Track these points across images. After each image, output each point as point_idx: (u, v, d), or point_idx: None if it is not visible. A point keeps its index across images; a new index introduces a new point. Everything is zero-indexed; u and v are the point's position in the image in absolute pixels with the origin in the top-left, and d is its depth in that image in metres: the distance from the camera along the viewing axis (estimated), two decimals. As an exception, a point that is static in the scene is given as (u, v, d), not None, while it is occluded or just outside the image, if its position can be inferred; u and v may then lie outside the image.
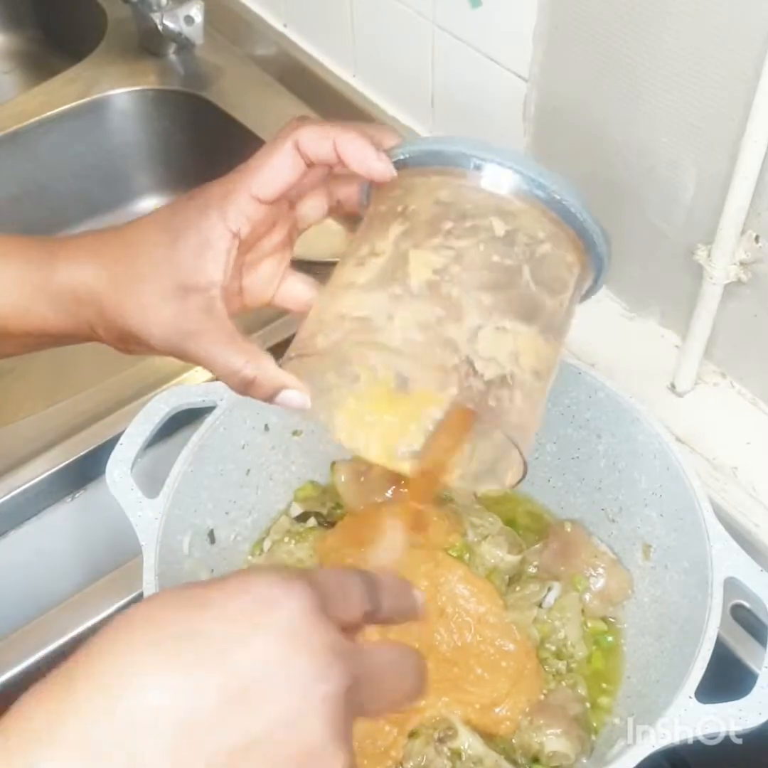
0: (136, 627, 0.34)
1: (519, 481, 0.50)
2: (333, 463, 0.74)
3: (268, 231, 0.51)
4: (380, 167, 0.48)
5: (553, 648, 0.67)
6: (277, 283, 0.54)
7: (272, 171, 0.49)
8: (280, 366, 0.49)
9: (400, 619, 0.41)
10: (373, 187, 0.51)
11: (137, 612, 0.35)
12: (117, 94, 1.08)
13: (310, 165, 0.49)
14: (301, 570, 0.37)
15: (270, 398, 0.49)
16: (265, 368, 0.49)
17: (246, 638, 0.33)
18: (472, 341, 0.44)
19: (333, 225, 0.55)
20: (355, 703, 0.35)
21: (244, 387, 0.49)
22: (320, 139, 0.48)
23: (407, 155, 0.48)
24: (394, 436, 0.56)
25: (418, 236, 0.46)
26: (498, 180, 0.47)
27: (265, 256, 0.52)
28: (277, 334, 0.81)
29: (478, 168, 0.47)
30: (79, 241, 0.52)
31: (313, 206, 0.53)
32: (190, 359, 0.50)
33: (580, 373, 0.69)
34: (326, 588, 0.36)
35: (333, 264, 0.50)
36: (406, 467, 0.56)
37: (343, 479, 0.73)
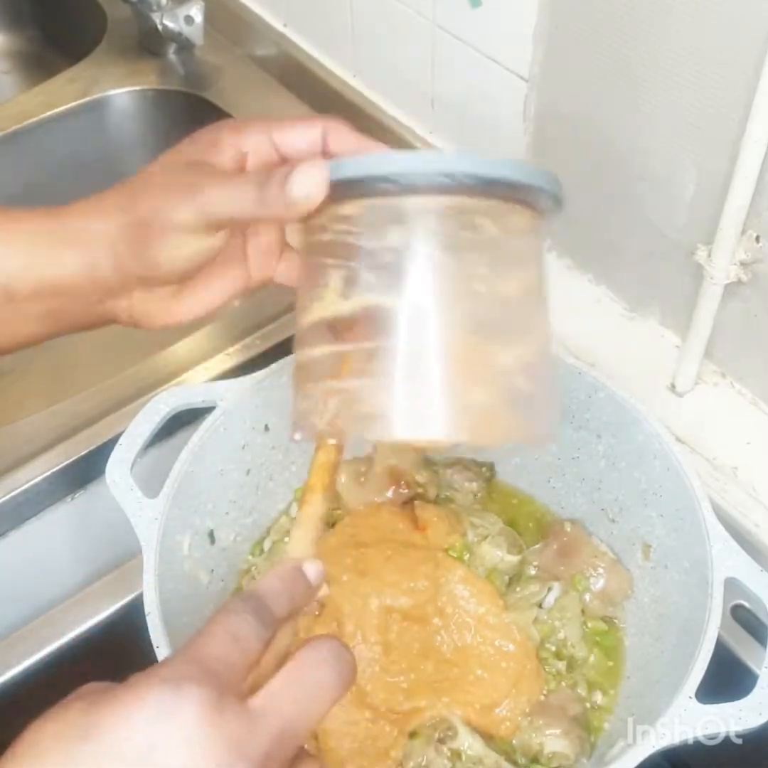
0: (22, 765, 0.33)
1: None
2: (333, 463, 0.74)
3: None
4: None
5: (553, 648, 0.67)
6: (278, 255, 0.52)
7: (296, 134, 0.48)
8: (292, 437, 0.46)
9: (304, 609, 0.41)
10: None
11: (24, 749, 0.34)
12: (117, 93, 1.08)
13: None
14: (189, 654, 0.36)
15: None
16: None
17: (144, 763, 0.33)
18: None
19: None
20: (283, 758, 0.36)
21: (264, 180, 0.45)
22: (350, 137, 0.48)
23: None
24: None
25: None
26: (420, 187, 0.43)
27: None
28: (278, 334, 0.81)
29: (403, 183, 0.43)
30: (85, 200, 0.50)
31: None
32: (201, 203, 0.46)
33: (580, 373, 0.69)
34: (219, 659, 0.36)
35: None
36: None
37: (343, 480, 0.73)
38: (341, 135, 0.49)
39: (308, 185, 0.43)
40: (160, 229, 0.46)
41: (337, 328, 0.45)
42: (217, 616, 0.38)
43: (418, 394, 0.42)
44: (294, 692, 0.38)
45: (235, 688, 0.36)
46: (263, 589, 0.40)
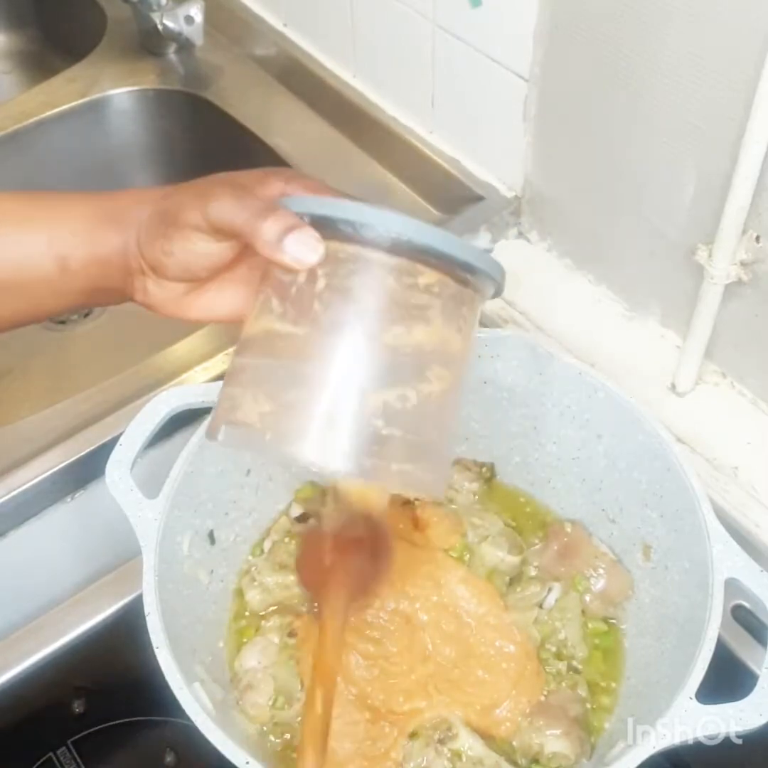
0: None
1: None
2: (333, 464, 0.74)
3: None
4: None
5: (554, 649, 0.67)
6: None
7: None
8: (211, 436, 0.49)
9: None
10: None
11: None
12: (117, 93, 1.08)
13: None
14: None
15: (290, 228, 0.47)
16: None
17: None
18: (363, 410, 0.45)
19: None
20: None
21: (267, 211, 0.48)
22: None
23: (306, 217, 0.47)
24: None
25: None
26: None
27: None
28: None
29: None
30: None
31: None
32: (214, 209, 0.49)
33: (580, 373, 0.69)
34: None
35: None
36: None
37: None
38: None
39: (304, 253, 0.46)
40: (175, 223, 0.51)
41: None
42: None
43: (322, 420, 0.45)
44: None
45: None
46: None
